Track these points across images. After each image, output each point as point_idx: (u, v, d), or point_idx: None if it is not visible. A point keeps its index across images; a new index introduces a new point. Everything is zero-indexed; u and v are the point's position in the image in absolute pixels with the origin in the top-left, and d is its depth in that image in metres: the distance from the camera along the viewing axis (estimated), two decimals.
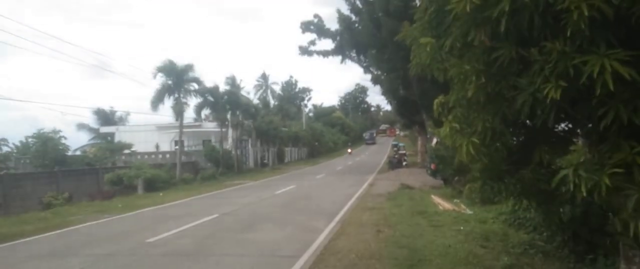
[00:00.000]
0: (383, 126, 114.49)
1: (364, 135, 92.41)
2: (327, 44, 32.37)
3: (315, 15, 31.75)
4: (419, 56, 4.41)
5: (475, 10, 3.35)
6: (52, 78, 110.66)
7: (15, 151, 28.92)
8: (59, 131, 25.96)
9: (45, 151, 24.33)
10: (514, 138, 4.51)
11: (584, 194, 3.15)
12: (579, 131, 4.34)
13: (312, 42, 31.97)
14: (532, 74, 3.30)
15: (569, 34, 2.98)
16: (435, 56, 4.30)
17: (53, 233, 11.87)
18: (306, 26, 31.54)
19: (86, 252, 9.19)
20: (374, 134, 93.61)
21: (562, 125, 4.37)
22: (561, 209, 5.75)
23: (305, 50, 32.21)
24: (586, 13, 2.78)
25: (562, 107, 3.33)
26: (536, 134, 4.25)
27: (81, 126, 45.82)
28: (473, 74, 3.78)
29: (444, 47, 4.04)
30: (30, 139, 26.18)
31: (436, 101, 4.75)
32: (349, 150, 67.60)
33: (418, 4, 4.43)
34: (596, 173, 3.10)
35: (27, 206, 17.82)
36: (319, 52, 32.25)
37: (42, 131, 25.46)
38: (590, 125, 3.84)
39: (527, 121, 4.13)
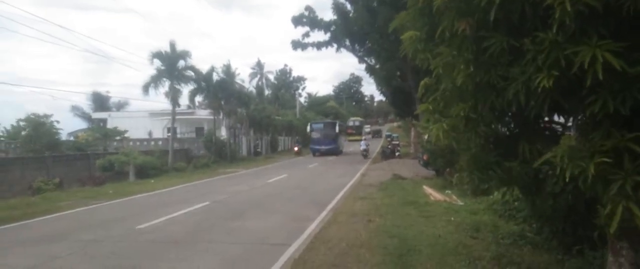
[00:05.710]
0: (352, 121, 74.59)
1: (311, 131, 43.81)
2: (321, 35, 31.90)
3: (307, 8, 31.46)
4: (405, 47, 4.50)
5: (460, 0, 3.33)
6: (44, 63, 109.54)
7: (4, 135, 28.60)
8: (51, 115, 25.74)
9: (36, 135, 24.10)
10: (502, 128, 4.50)
11: (567, 179, 3.16)
12: (569, 123, 4.32)
13: (306, 34, 31.71)
14: (525, 64, 3.28)
15: (555, 28, 2.98)
16: (417, 46, 4.34)
17: (41, 218, 11.80)
18: (298, 20, 31.23)
19: (74, 237, 9.13)
20: (338, 131, 43.86)
21: (549, 117, 4.35)
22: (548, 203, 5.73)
23: (298, 44, 31.94)
24: (569, 9, 2.80)
25: (555, 98, 3.31)
26: (523, 126, 4.23)
27: (74, 111, 45.54)
28: (462, 63, 3.74)
29: (433, 37, 4.05)
30: (21, 123, 25.90)
31: (422, 83, 4.74)
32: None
33: None
34: (584, 160, 3.10)
35: (16, 192, 17.68)
36: (312, 44, 32.03)
37: (33, 115, 25.22)
38: (580, 116, 3.82)
39: (515, 111, 4.12)
